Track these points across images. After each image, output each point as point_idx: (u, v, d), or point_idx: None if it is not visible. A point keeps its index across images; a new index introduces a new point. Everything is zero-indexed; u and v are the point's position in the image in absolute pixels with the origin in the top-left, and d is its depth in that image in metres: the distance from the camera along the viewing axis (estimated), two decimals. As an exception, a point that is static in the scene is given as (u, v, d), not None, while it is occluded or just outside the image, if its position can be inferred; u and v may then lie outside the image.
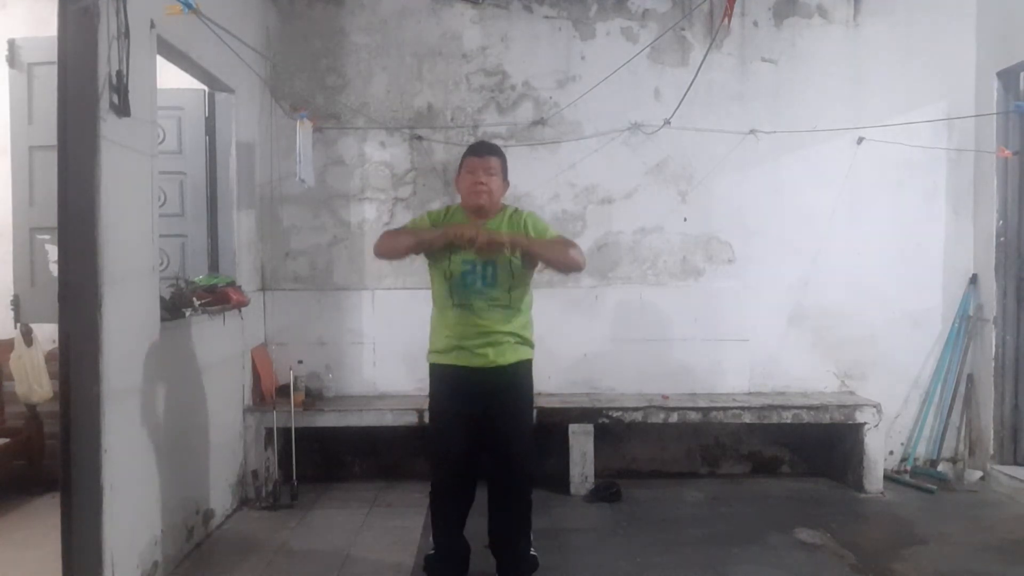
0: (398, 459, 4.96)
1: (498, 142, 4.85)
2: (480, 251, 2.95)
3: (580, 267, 3.18)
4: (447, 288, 3.15)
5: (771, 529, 4.00)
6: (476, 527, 3.36)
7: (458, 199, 3.32)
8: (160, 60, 3.46)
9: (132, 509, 3.13)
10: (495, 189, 3.18)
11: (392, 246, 3.19)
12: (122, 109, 2.98)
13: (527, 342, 3.25)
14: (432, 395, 3.29)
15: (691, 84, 4.45)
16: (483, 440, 3.20)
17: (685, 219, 4.99)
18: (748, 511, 4.32)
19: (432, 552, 3.33)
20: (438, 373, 3.25)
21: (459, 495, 3.25)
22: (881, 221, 4.95)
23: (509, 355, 3.16)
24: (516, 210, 3.27)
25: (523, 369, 3.24)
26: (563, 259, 3.11)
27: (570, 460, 4.58)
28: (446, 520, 3.26)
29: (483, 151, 3.22)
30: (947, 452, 4.95)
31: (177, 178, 4.35)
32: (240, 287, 4.34)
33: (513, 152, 4.83)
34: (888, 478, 4.73)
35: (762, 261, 4.98)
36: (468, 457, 3.22)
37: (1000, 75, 4.74)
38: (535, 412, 4.30)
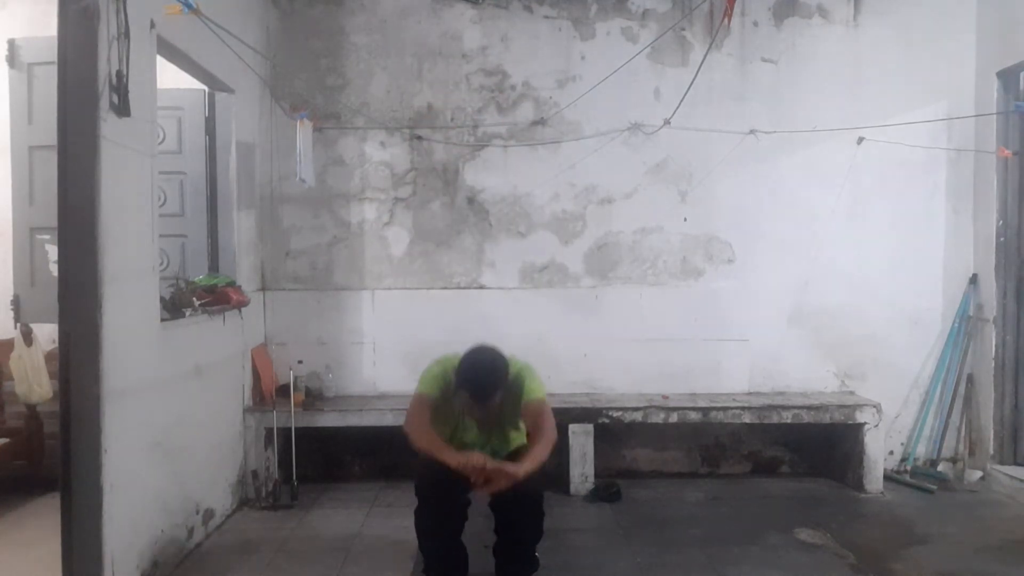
0: (398, 459, 4.94)
1: (498, 142, 4.89)
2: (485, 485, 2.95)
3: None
4: (449, 436, 3.17)
5: (771, 529, 4.00)
6: (476, 527, 3.35)
7: None
8: (160, 60, 3.46)
9: (132, 509, 3.13)
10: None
11: (425, 447, 3.03)
12: (122, 109, 2.99)
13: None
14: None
15: (691, 84, 4.45)
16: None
17: (685, 219, 4.99)
18: (748, 511, 4.33)
19: (425, 564, 3.27)
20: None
21: (454, 497, 3.13)
22: (881, 221, 4.96)
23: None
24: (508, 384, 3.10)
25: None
26: (544, 459, 3.03)
27: (570, 460, 4.58)
28: (441, 528, 3.17)
29: (485, 396, 3.02)
30: (947, 452, 4.95)
31: (177, 178, 4.35)
32: (240, 287, 4.34)
33: (513, 152, 4.85)
34: (888, 478, 4.73)
35: (762, 261, 4.98)
36: None
37: (1000, 75, 4.75)
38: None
